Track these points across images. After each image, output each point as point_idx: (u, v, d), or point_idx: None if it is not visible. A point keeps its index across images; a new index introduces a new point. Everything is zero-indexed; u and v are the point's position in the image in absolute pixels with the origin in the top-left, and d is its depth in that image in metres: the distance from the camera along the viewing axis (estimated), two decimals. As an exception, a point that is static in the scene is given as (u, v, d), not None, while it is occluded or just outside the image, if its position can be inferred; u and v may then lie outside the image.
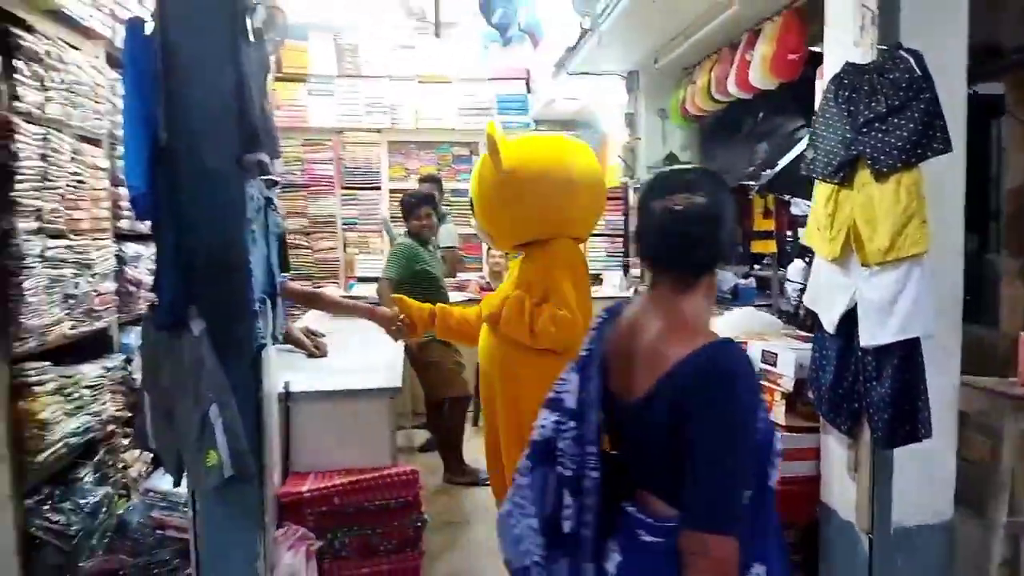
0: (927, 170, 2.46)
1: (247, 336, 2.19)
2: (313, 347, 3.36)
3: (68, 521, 2.50)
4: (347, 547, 2.54)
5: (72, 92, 2.84)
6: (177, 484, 2.30)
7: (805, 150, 2.94)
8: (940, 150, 2.41)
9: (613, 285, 6.91)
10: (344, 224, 7.22)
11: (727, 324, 3.77)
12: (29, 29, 2.56)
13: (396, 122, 7.26)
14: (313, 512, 2.50)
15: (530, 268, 2.90)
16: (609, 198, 7.61)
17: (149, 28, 2.19)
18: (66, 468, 2.73)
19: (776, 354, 3.18)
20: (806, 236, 2.98)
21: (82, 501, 2.62)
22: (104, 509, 2.71)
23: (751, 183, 4.65)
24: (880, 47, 2.62)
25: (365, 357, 3.30)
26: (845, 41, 2.84)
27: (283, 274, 2.54)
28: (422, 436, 5.27)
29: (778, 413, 3.11)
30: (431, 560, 3.48)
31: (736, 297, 5.24)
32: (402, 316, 3.03)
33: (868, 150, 2.57)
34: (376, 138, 7.23)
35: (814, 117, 2.87)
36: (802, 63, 3.90)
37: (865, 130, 2.59)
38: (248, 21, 2.20)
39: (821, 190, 2.85)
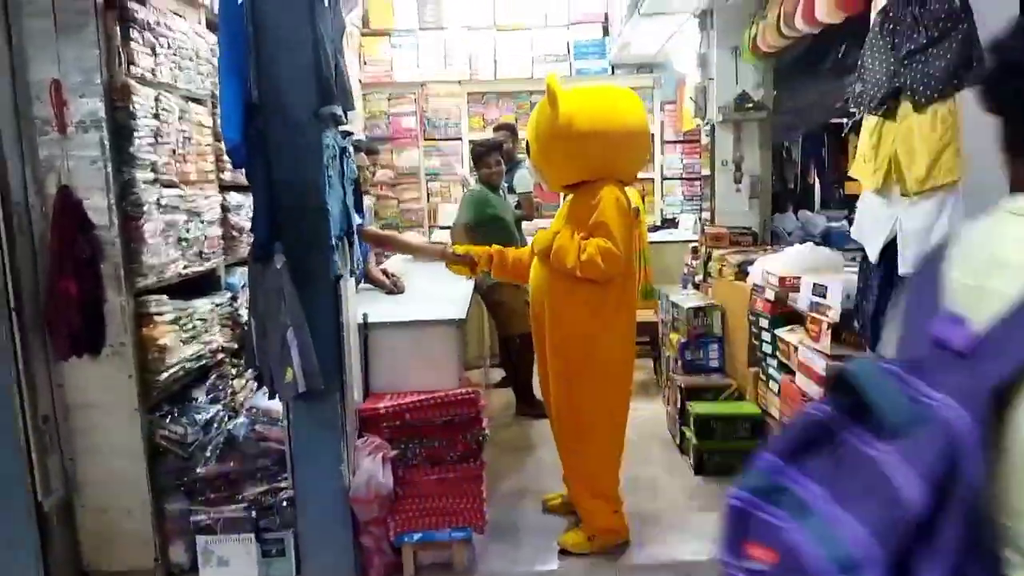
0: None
1: (325, 268, 2.53)
2: (392, 285, 3.69)
3: (185, 433, 2.93)
4: (417, 456, 2.88)
5: (179, 56, 3.19)
6: (271, 397, 2.69)
7: (854, 83, 2.99)
8: (976, 80, 2.44)
9: (686, 228, 7.00)
10: (427, 175, 7.56)
11: (787, 260, 3.87)
12: (142, 1, 2.92)
13: (475, 73, 7.47)
14: (388, 425, 2.85)
15: (579, 207, 3.12)
16: (684, 141, 7.66)
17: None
18: (183, 389, 3.18)
19: (826, 286, 3.28)
20: (853, 168, 3.05)
21: (197, 417, 3.05)
22: (216, 425, 3.14)
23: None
24: (925, -23, 2.64)
25: (436, 293, 3.62)
26: (895, -28, 2.85)
27: (360, 217, 2.85)
28: (500, 374, 5.60)
29: (824, 343, 3.22)
30: (500, 479, 3.84)
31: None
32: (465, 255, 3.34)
33: (909, 82, 2.62)
34: (456, 90, 7.48)
35: (862, 51, 2.91)
36: (868, -5, 3.85)
37: (907, 62, 2.64)
38: (320, -14, 2.47)
39: (867, 123, 2.91)
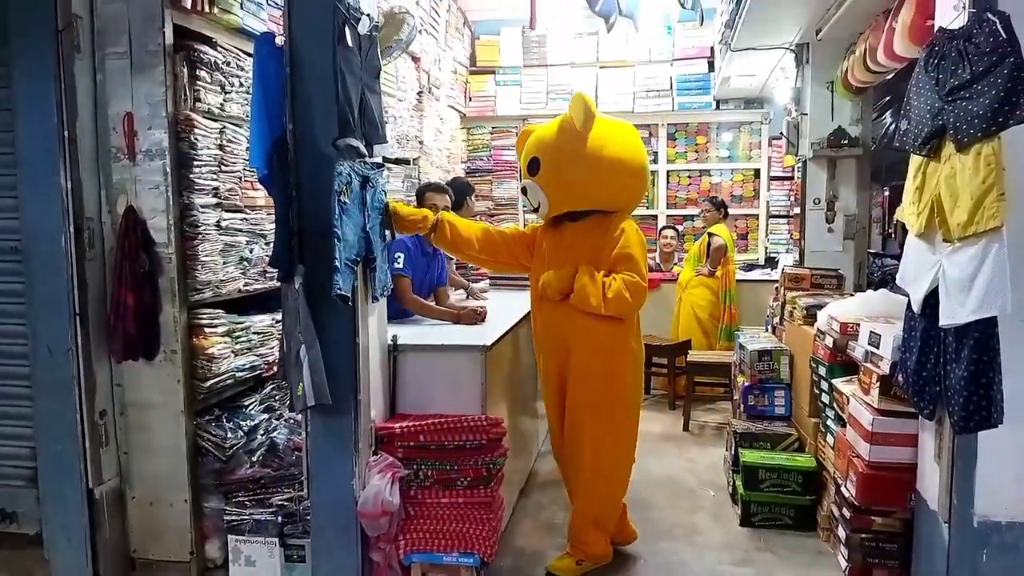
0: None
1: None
2: (469, 317, 3.68)
3: (226, 436, 3.15)
4: (429, 478, 2.95)
5: (249, 93, 3.49)
6: (290, 409, 2.85)
7: (900, 121, 2.81)
8: (1023, 118, 2.24)
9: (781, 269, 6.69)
10: (523, 206, 7.70)
11: (853, 305, 3.65)
12: (213, 45, 3.23)
13: (577, 108, 7.55)
14: (403, 445, 2.94)
15: (592, 239, 3.12)
16: (778, 178, 7.41)
17: (279, 40, 2.75)
18: (237, 395, 3.42)
19: (880, 335, 3.07)
20: (899, 211, 2.86)
21: (243, 423, 3.27)
22: (261, 431, 3.36)
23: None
24: (971, 11, 2.47)
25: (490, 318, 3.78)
26: (947, 5, 2.68)
27: (387, 238, 2.98)
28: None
29: (873, 396, 3.01)
30: (528, 514, 3.84)
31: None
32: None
33: (952, 119, 2.45)
34: (558, 123, 7.59)
35: (908, 87, 2.74)
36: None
37: (951, 99, 2.47)
38: (348, 30, 2.65)
39: (912, 163, 2.73)
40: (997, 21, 2.31)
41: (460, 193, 4.48)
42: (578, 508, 3.26)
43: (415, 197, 4.06)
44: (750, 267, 7.08)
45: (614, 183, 3.13)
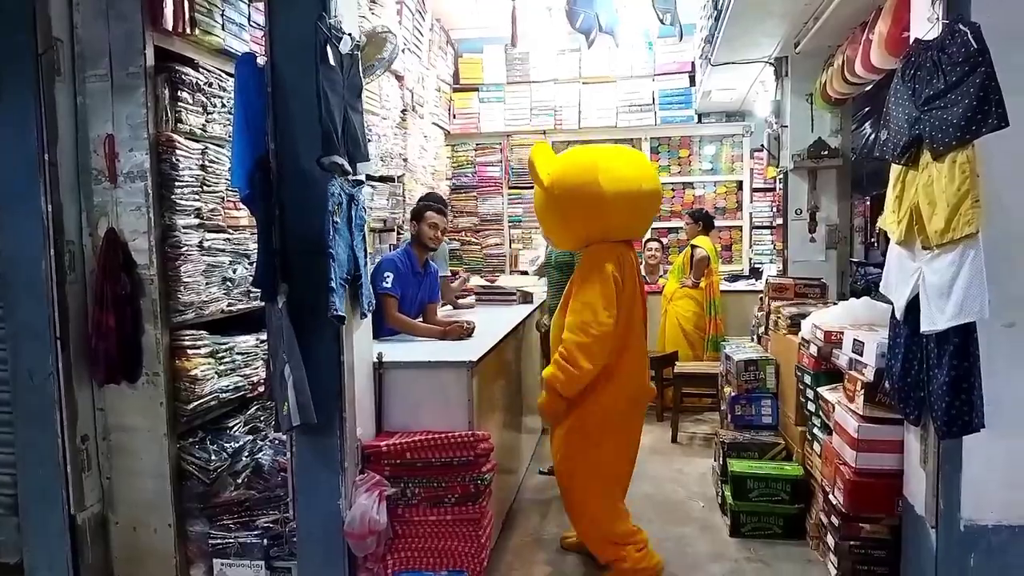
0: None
1: (326, 310, 2.65)
2: (457, 333, 3.71)
3: (210, 459, 3.12)
4: (416, 496, 2.93)
5: (231, 114, 3.49)
6: (275, 429, 2.83)
7: (880, 131, 2.85)
8: (995, 126, 2.28)
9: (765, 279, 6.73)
10: (510, 221, 7.73)
11: (837, 314, 3.67)
12: (195, 66, 3.23)
13: (560, 123, 7.62)
14: (389, 463, 2.92)
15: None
16: (761, 189, 7.49)
17: (260, 60, 2.75)
18: (221, 417, 3.39)
19: (863, 343, 3.09)
20: (881, 219, 2.88)
21: (227, 444, 3.24)
22: (246, 453, 3.32)
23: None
24: (944, 21, 2.51)
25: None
26: (922, 17, 2.72)
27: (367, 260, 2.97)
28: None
29: (857, 403, 3.02)
30: (517, 529, 3.82)
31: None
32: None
33: (928, 128, 2.49)
34: (541, 139, 7.64)
35: (887, 97, 2.78)
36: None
37: (926, 108, 2.51)
38: (330, 50, 2.66)
39: (892, 172, 2.76)
40: (968, 32, 2.34)
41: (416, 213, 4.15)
42: (582, 537, 3.34)
43: (412, 215, 4.03)
44: (735, 278, 7.11)
45: (571, 220, 3.20)
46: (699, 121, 7.62)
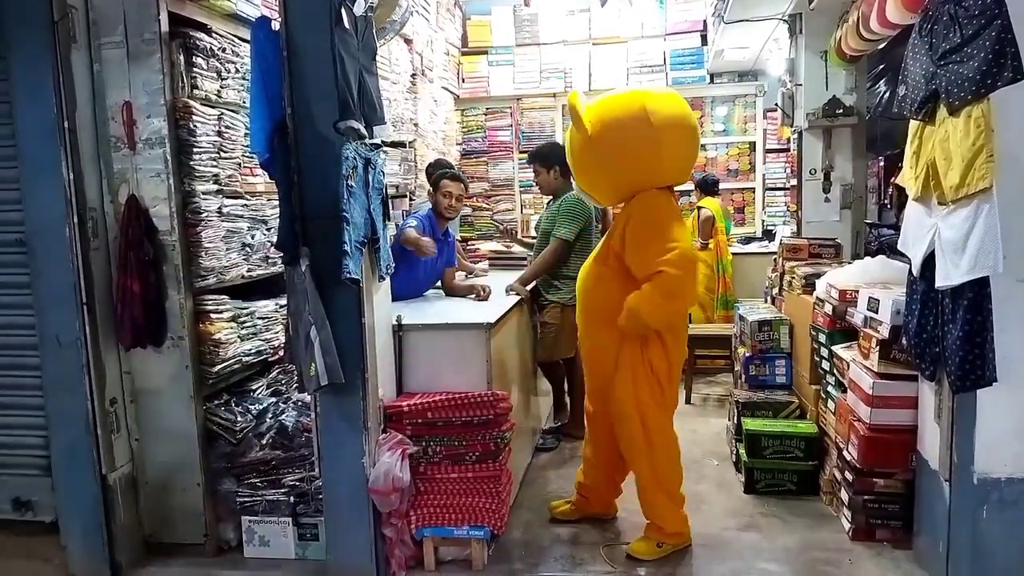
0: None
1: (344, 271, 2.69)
2: (478, 293, 3.91)
3: (235, 420, 3.19)
4: (438, 454, 3.00)
5: (245, 79, 3.49)
6: (300, 391, 2.89)
7: (898, 87, 2.84)
8: (1011, 79, 2.27)
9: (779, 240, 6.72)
10: (521, 186, 7.71)
11: (852, 273, 3.69)
12: (208, 31, 3.23)
13: (570, 86, 7.54)
14: (411, 423, 2.99)
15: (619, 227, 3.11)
16: (774, 150, 7.42)
17: (276, 24, 2.76)
18: (244, 380, 3.45)
19: (878, 300, 3.11)
20: (900, 176, 2.89)
21: (251, 407, 3.31)
22: (270, 414, 3.39)
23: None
24: (962, -27, 2.48)
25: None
26: (940, -31, 2.69)
27: (386, 225, 3.00)
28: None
29: (872, 360, 3.05)
30: (536, 487, 3.90)
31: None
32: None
33: (944, 83, 2.48)
34: (551, 102, 7.59)
35: (905, 53, 2.76)
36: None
37: (943, 63, 2.50)
38: (344, 12, 2.66)
39: (911, 128, 2.76)
40: (986, -18, 2.33)
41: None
42: (642, 487, 3.19)
43: (427, 179, 4.07)
44: (748, 240, 7.10)
45: (619, 166, 3.06)
46: (711, 81, 7.52)
